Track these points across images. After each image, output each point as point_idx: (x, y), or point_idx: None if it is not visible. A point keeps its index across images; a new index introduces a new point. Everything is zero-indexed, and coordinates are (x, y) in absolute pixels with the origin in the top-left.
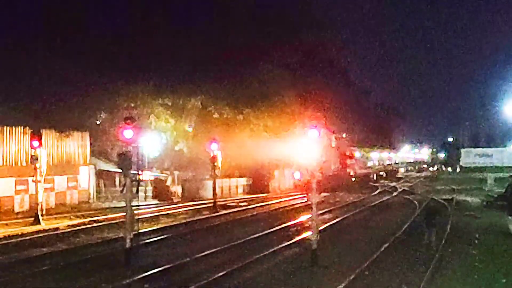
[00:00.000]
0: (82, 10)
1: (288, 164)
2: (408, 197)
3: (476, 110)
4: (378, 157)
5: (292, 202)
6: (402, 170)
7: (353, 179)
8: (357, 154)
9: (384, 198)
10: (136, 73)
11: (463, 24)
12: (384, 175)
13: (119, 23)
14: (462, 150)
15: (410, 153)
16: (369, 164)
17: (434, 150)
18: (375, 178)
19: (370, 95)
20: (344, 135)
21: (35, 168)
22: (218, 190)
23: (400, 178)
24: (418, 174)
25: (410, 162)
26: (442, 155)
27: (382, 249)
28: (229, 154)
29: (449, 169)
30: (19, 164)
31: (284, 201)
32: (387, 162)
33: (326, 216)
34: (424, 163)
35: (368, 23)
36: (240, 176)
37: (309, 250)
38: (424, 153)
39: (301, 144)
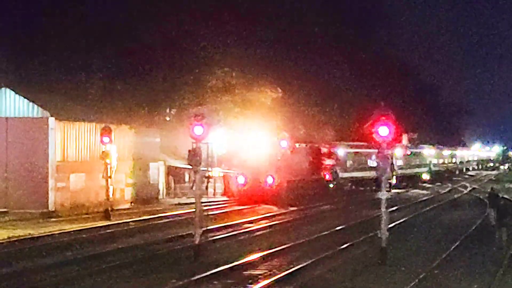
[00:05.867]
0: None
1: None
2: None
3: None
4: (413, 154)
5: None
6: (463, 169)
7: (331, 185)
8: (341, 151)
9: None
10: (206, 68)
11: None
12: (428, 178)
13: (189, 19)
14: None
15: (477, 151)
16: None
17: (505, 148)
18: (394, 183)
19: (440, 93)
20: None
21: (106, 164)
22: None
23: (455, 181)
24: (485, 173)
25: (475, 160)
26: None
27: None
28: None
29: None
30: (89, 159)
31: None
32: (434, 161)
33: None
34: (491, 161)
35: (439, 21)
36: None
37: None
38: (493, 150)
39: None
